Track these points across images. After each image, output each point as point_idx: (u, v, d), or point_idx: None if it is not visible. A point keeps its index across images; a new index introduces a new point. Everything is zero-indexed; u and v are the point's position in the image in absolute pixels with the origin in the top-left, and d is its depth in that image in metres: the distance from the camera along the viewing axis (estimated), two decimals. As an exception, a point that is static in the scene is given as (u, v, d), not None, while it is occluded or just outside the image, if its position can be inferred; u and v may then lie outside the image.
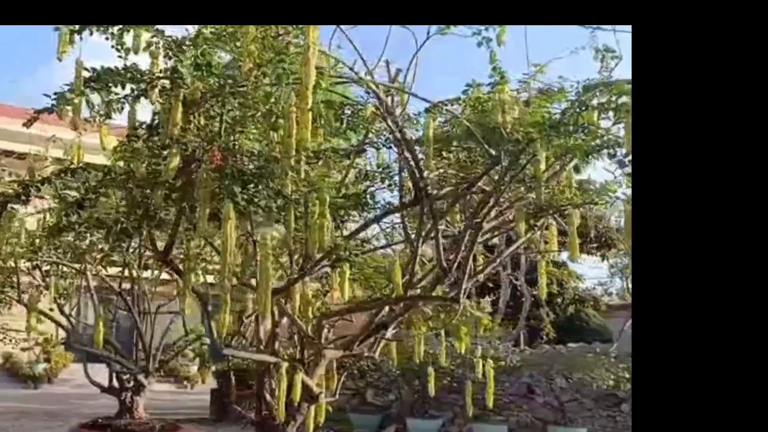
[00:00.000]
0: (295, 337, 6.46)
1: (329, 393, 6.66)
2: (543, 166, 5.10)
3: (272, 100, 4.07)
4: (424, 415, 14.37)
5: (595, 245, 12.14)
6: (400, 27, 4.98)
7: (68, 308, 8.94)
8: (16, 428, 12.23)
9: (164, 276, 8.82)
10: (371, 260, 6.66)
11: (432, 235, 5.43)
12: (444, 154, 5.90)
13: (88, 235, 5.47)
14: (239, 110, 4.29)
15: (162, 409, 11.97)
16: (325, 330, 6.54)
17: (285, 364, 5.61)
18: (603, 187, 6.16)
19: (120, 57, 4.74)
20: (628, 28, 3.19)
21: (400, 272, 5.72)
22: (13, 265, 7.35)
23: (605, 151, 5.19)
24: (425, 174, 5.50)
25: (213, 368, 13.04)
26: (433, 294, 6.06)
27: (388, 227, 7.53)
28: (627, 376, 12.18)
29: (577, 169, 6.34)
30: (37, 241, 5.91)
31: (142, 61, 4.80)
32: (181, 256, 5.46)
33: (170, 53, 4.60)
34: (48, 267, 8.01)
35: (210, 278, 6.64)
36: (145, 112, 5.02)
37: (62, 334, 11.11)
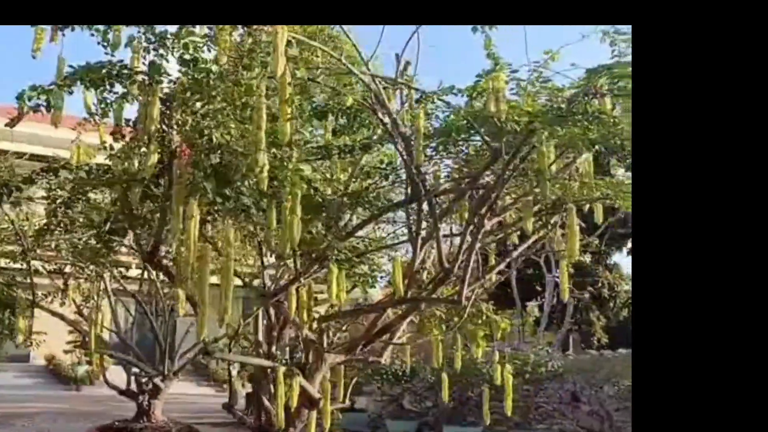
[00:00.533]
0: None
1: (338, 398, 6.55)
2: (547, 159, 4.87)
3: (244, 90, 3.97)
4: (462, 422, 14.11)
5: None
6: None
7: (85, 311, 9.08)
8: (52, 428, 12.56)
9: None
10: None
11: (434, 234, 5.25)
12: (451, 149, 5.71)
13: (82, 234, 5.48)
14: (219, 104, 4.20)
15: (200, 413, 12.06)
16: (331, 333, 6.41)
17: (282, 369, 5.50)
18: (621, 181, 5.87)
19: (107, 54, 4.74)
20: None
21: (401, 273, 5.54)
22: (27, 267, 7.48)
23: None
24: (422, 169, 5.34)
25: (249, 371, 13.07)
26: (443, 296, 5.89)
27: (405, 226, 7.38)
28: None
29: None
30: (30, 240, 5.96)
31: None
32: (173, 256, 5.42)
33: (150, 48, 4.57)
34: (68, 269, 8.13)
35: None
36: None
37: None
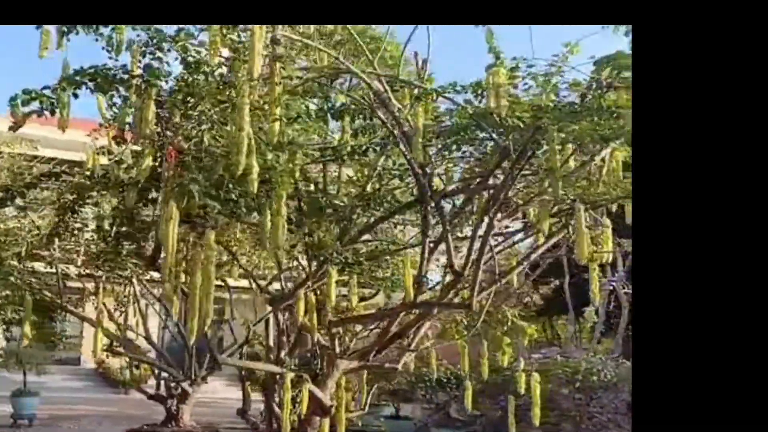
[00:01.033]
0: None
1: (358, 405, 6.52)
2: (559, 156, 4.72)
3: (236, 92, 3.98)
4: (509, 432, 13.85)
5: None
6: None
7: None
8: (97, 430, 12.97)
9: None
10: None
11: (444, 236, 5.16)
12: (465, 148, 5.61)
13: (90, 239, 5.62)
14: (207, 105, 4.23)
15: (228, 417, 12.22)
16: (347, 339, 6.39)
17: (290, 375, 5.51)
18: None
19: (110, 58, 4.84)
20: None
21: (411, 276, 5.47)
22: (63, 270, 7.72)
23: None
24: (432, 169, 5.27)
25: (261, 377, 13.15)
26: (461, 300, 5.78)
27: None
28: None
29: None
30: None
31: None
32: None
33: (147, 51, 4.64)
34: (100, 273, 8.35)
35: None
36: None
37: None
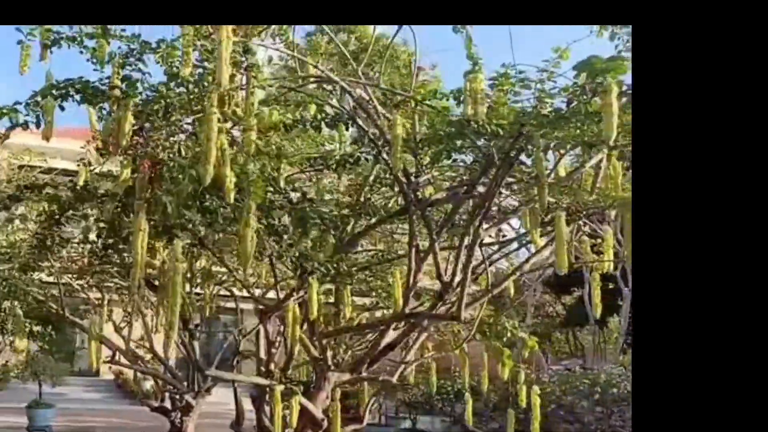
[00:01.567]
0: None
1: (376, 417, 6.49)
2: (544, 163, 4.68)
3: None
4: (526, 445, 13.70)
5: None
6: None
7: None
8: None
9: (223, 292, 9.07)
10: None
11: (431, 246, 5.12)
12: (456, 156, 5.58)
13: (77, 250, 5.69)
14: (180, 114, 4.28)
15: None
16: (342, 351, 6.37)
17: (280, 387, 5.50)
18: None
19: (96, 70, 4.91)
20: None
21: (400, 287, 5.44)
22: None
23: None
24: (418, 178, 5.24)
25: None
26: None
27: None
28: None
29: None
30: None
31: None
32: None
33: (127, 62, 4.70)
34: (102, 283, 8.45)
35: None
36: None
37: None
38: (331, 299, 6.49)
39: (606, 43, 5.27)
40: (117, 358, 8.81)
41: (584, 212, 5.48)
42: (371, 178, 5.94)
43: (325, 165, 5.55)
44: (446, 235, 6.01)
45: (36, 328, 9.30)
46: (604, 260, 6.32)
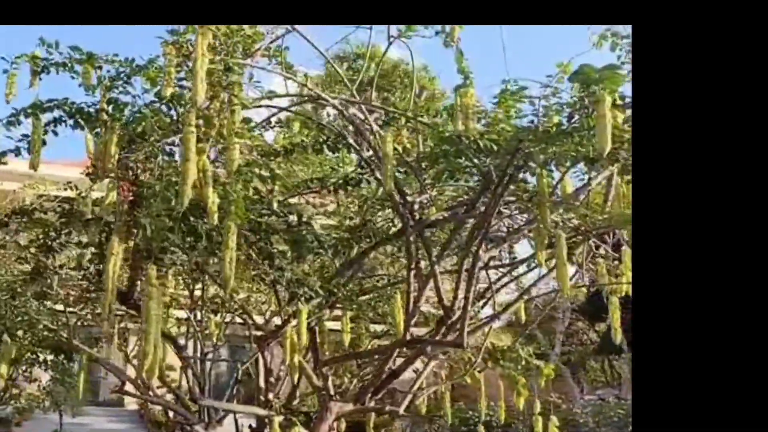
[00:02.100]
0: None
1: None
2: (546, 180, 4.51)
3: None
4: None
5: None
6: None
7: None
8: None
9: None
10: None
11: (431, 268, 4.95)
12: (458, 175, 5.43)
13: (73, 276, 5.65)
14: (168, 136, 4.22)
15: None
16: (347, 380, 6.20)
17: (278, 418, 5.36)
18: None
19: (87, 95, 4.90)
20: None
21: (401, 312, 5.28)
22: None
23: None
24: (416, 198, 5.10)
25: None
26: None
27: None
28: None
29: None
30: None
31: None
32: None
33: (115, 85, 4.68)
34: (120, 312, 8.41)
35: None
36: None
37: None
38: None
39: (609, 54, 5.14)
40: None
41: (593, 232, 5.27)
42: (372, 199, 5.82)
43: (321, 187, 5.44)
44: (454, 257, 5.85)
45: (49, 357, 9.30)
46: (623, 282, 6.09)
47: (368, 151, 4.77)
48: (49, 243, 5.05)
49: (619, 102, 4.29)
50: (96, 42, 4.98)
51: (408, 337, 5.25)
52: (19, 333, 7.76)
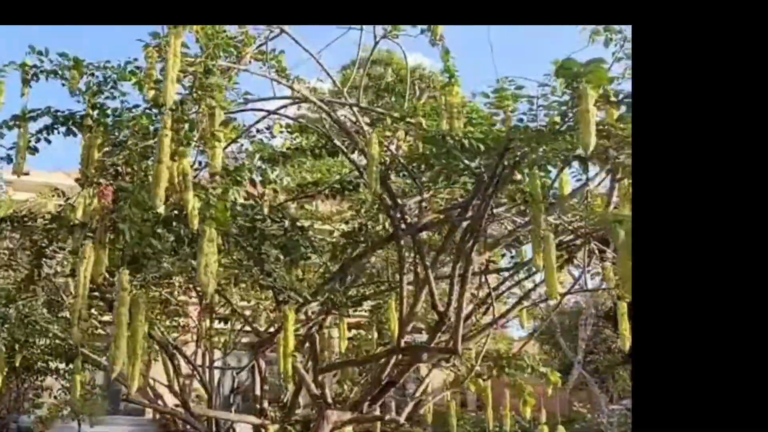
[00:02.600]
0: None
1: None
2: (539, 181, 4.40)
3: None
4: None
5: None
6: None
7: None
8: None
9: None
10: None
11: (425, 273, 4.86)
12: (454, 177, 5.33)
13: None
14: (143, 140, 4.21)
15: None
16: (346, 387, 6.13)
17: (273, 427, 5.30)
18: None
19: (78, 102, 4.93)
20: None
21: (396, 319, 5.19)
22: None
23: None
24: (407, 201, 5.03)
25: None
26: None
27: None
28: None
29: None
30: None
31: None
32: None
33: (103, 90, 4.69)
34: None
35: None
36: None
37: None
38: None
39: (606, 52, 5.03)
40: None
41: (594, 234, 5.14)
42: (368, 204, 5.76)
43: (315, 191, 5.40)
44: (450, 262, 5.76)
45: (60, 366, 9.40)
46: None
47: (355, 153, 4.70)
48: (42, 249, 5.06)
49: (612, 99, 4.21)
50: (92, 44, 5.01)
51: (403, 344, 5.16)
52: (29, 341, 7.85)
